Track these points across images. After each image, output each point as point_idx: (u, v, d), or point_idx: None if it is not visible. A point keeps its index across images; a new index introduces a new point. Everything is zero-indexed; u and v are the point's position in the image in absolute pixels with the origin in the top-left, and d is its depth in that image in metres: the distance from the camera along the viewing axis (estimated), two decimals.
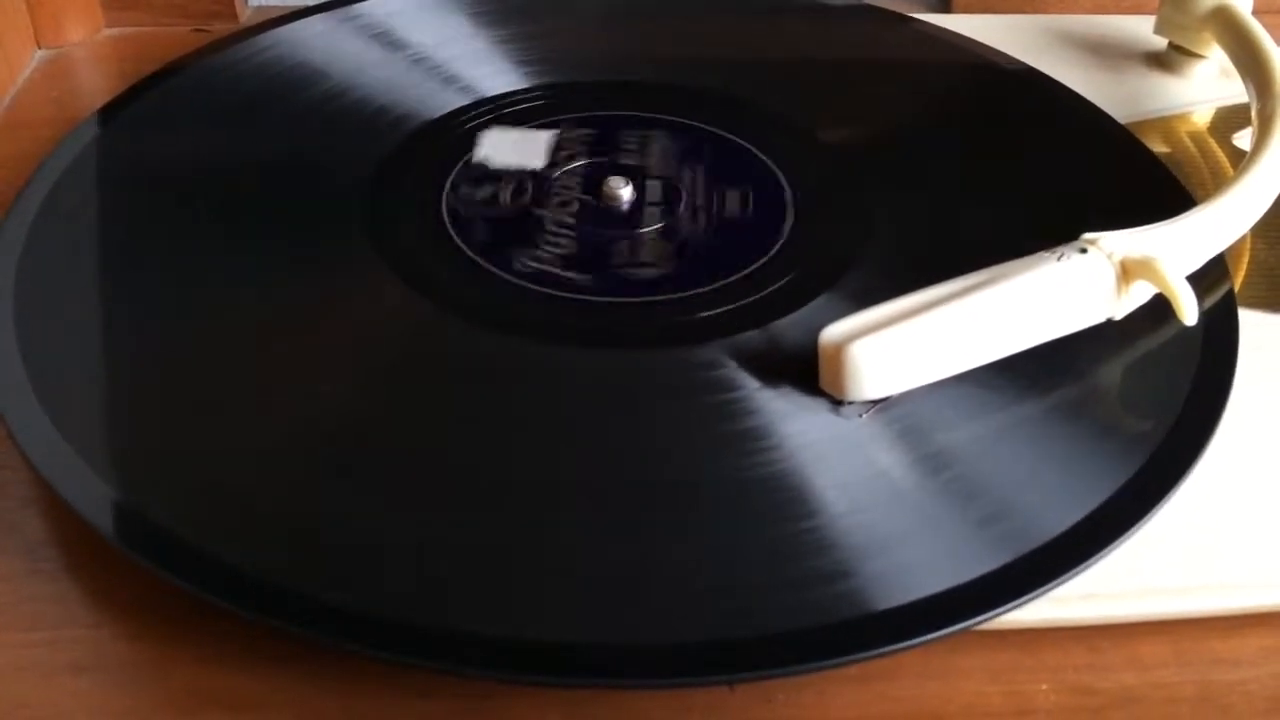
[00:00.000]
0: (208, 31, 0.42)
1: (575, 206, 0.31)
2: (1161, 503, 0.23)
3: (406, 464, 0.24)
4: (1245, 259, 0.31)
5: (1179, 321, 0.25)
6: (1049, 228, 0.27)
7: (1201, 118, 0.37)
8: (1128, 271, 0.25)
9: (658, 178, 0.32)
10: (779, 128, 0.34)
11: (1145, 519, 0.23)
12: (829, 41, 0.39)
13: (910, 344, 0.24)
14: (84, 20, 0.41)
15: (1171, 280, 0.25)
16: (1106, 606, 0.23)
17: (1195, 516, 0.24)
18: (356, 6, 0.38)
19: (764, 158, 0.33)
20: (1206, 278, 0.28)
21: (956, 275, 0.25)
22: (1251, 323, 0.28)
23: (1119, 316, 0.26)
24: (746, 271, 0.29)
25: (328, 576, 0.22)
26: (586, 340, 0.27)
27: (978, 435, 0.25)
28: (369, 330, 0.27)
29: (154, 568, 0.22)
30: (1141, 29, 0.40)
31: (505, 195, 0.30)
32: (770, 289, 0.28)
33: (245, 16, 0.43)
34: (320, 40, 0.36)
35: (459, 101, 0.34)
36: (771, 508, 0.23)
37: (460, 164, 0.31)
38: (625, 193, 0.31)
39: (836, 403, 0.25)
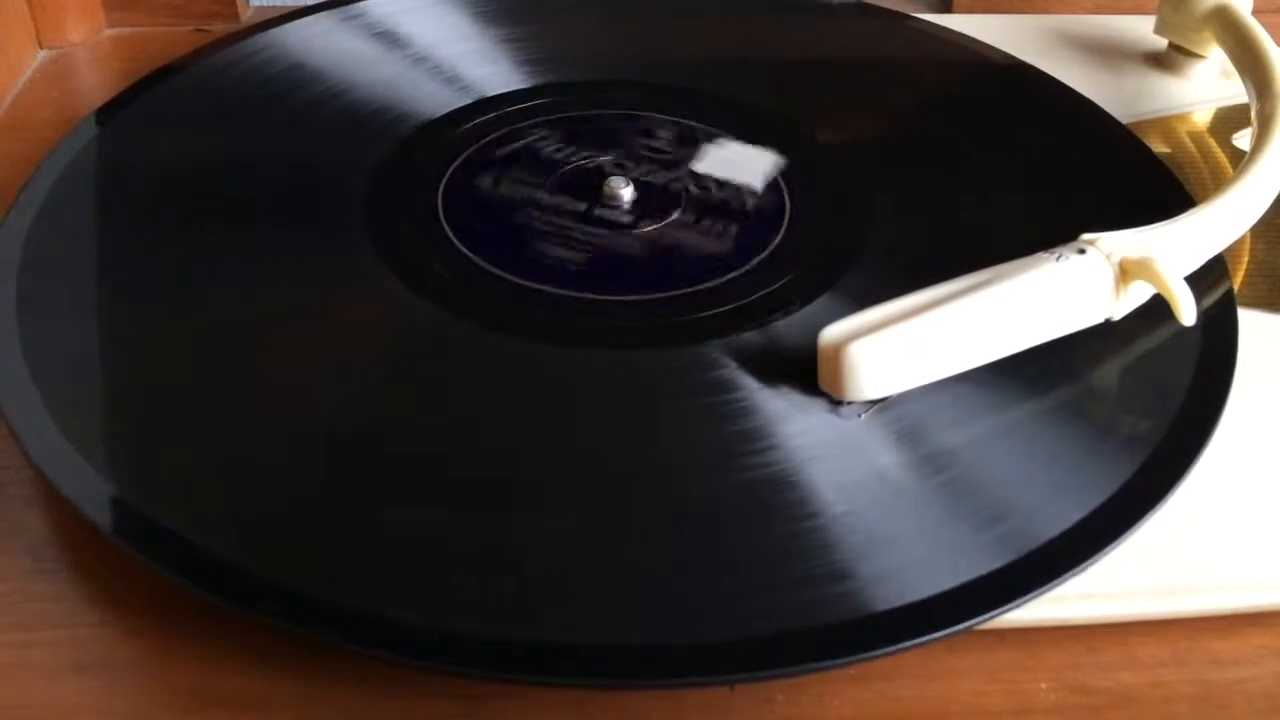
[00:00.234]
0: (208, 31, 0.42)
1: (575, 207, 0.31)
2: (1160, 503, 0.23)
3: (406, 463, 0.24)
4: (1245, 259, 0.31)
5: (1178, 322, 0.25)
6: (1048, 227, 0.27)
7: (1201, 118, 0.37)
8: (1126, 272, 0.25)
9: (657, 177, 0.32)
10: (779, 127, 0.34)
11: (1144, 519, 0.23)
12: (829, 41, 0.39)
13: (909, 344, 0.24)
14: (85, 20, 0.41)
15: (1170, 281, 0.25)
16: (1105, 606, 0.23)
17: (1194, 517, 0.24)
18: (356, 6, 0.38)
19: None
20: (1206, 277, 0.28)
21: (956, 275, 0.25)
22: (1251, 323, 0.28)
23: (1118, 317, 0.26)
24: (745, 271, 0.29)
25: (328, 576, 0.22)
26: (586, 340, 0.27)
27: (976, 436, 0.25)
28: (368, 329, 0.27)
29: (156, 566, 0.22)
30: (1142, 29, 0.40)
31: (505, 204, 0.30)
32: (769, 289, 0.28)
33: (245, 16, 0.43)
34: (320, 40, 0.37)
35: (459, 101, 0.34)
36: (771, 508, 0.23)
37: (459, 161, 0.31)
38: (625, 192, 0.31)
39: (835, 403, 0.25)
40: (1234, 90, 0.35)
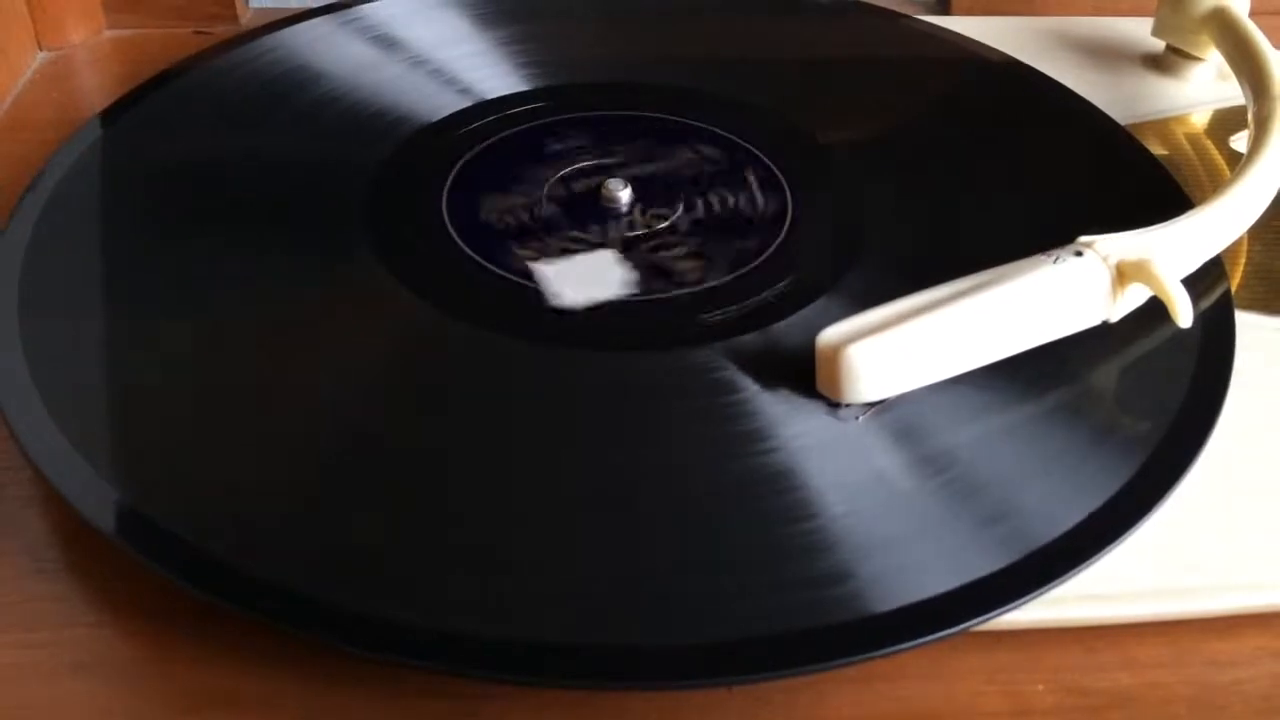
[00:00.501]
0: (209, 34, 0.42)
1: (574, 209, 0.31)
2: (1158, 505, 0.24)
3: (406, 464, 0.24)
4: (1242, 261, 0.31)
5: (1175, 324, 0.25)
6: (1046, 229, 0.27)
7: (1199, 120, 0.37)
8: (1123, 274, 0.26)
9: (657, 179, 0.32)
10: (778, 129, 0.34)
11: (1143, 521, 0.23)
12: (828, 42, 0.39)
13: (907, 347, 0.24)
14: (85, 22, 0.42)
15: (1167, 283, 0.25)
16: (1103, 607, 0.23)
17: (1191, 518, 0.24)
18: (357, 9, 0.38)
19: (763, 158, 0.33)
20: (1204, 280, 0.28)
21: (954, 278, 0.25)
22: (1248, 324, 0.28)
23: (1115, 319, 0.26)
24: (744, 273, 0.29)
25: (328, 577, 0.22)
26: (585, 342, 0.27)
27: (975, 437, 0.25)
28: (369, 331, 0.28)
29: (155, 567, 0.22)
30: (1140, 31, 0.40)
31: (505, 206, 0.31)
32: (769, 291, 0.28)
33: (246, 19, 0.43)
34: (321, 43, 0.37)
35: (459, 104, 0.34)
36: (770, 509, 0.23)
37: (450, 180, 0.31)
38: (624, 195, 0.31)
39: (834, 405, 0.25)
40: (1231, 92, 0.35)
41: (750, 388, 0.25)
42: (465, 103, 0.34)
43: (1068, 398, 0.26)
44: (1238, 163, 0.30)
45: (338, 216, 0.30)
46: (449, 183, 0.31)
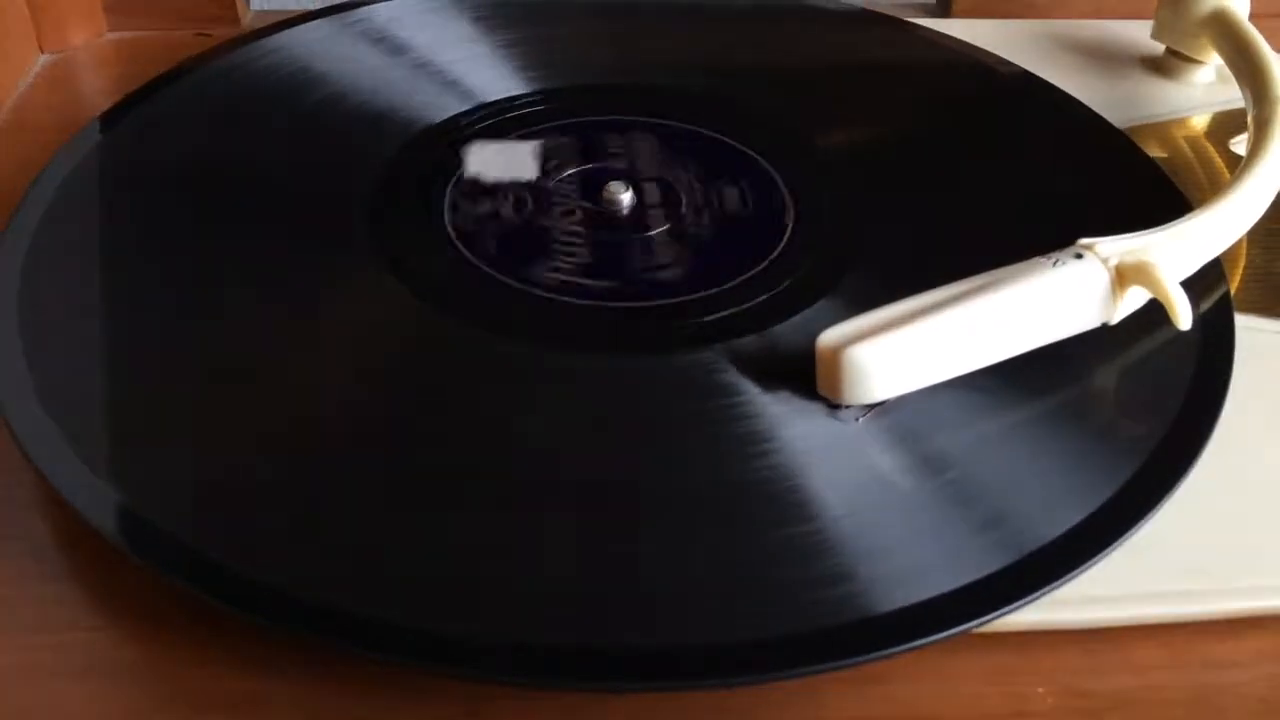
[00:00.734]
0: (210, 36, 0.42)
1: (575, 212, 0.31)
2: (1157, 507, 0.24)
3: (407, 466, 0.24)
4: (1241, 263, 0.32)
5: (1174, 327, 0.25)
6: (1046, 232, 0.27)
7: (1198, 123, 0.37)
8: (1123, 277, 0.26)
9: (657, 182, 0.32)
10: (779, 133, 0.34)
11: (1142, 522, 0.23)
12: (828, 46, 0.39)
13: (907, 349, 0.24)
14: (86, 24, 0.42)
15: (1166, 285, 0.25)
16: (1102, 610, 0.23)
17: (1190, 521, 0.24)
18: (358, 11, 0.38)
19: (763, 162, 0.33)
20: (1203, 282, 0.28)
21: (953, 280, 0.25)
22: (1247, 327, 0.29)
23: (1114, 321, 0.26)
24: (745, 276, 0.29)
25: (329, 579, 0.22)
26: (584, 344, 0.27)
27: (975, 439, 0.25)
28: (370, 334, 0.28)
29: (157, 570, 0.22)
30: (1139, 34, 0.41)
31: (506, 208, 0.31)
32: (769, 293, 0.28)
33: (247, 21, 0.43)
34: (322, 45, 0.37)
35: (460, 106, 0.34)
36: (769, 510, 0.23)
37: (454, 179, 0.31)
38: (625, 198, 0.31)
39: (833, 406, 0.25)
40: (1231, 95, 0.35)
41: (750, 389, 0.25)
42: (466, 105, 0.34)
43: (1067, 400, 0.26)
44: (1237, 166, 0.30)
45: (339, 218, 0.30)
46: (451, 186, 0.31)
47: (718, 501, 0.23)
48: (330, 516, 0.23)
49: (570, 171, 0.32)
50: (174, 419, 0.25)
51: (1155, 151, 0.35)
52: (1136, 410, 0.26)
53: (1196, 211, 0.28)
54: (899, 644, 0.21)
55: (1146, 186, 0.33)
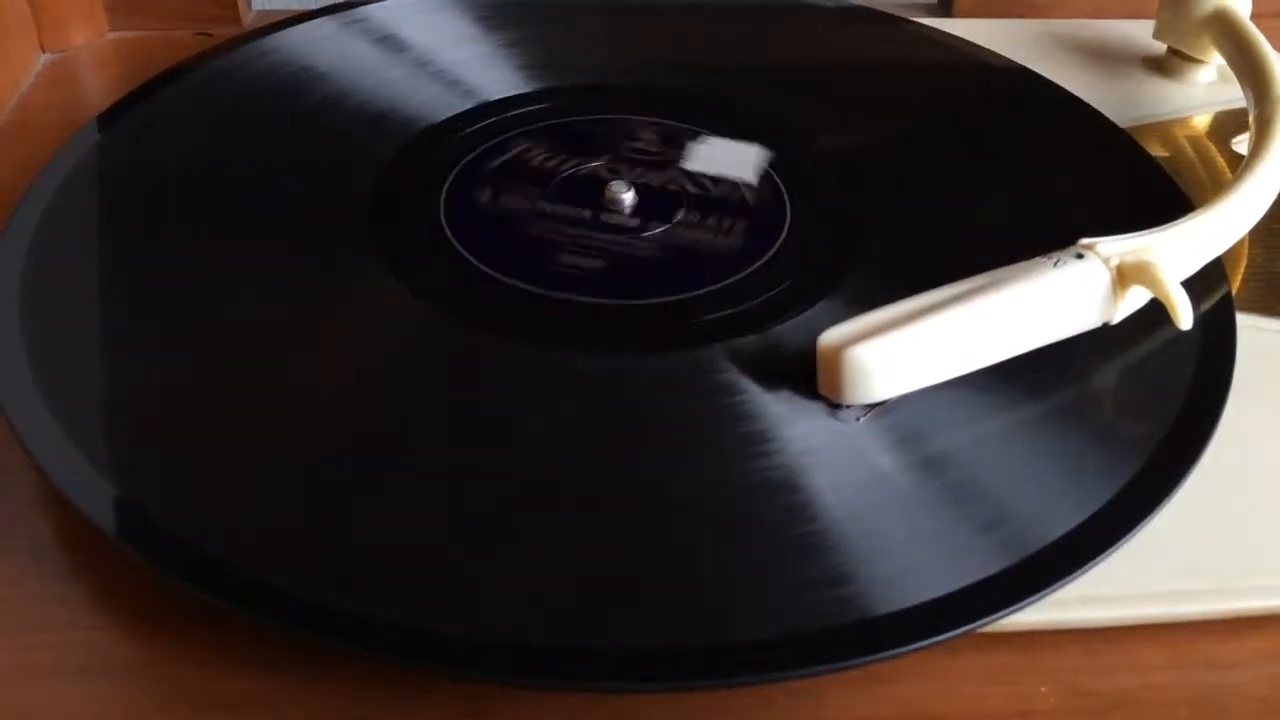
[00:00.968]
0: (211, 35, 0.42)
1: (576, 212, 0.31)
2: (1160, 506, 0.24)
3: (408, 466, 0.24)
4: (1242, 263, 0.31)
5: (1176, 326, 0.25)
6: (1047, 232, 0.27)
7: (1200, 122, 0.37)
8: (1124, 276, 0.26)
9: (659, 182, 0.32)
10: (780, 131, 0.34)
11: (1144, 523, 0.23)
12: (828, 45, 0.39)
13: (908, 349, 0.24)
14: (88, 24, 0.42)
15: (1168, 285, 0.25)
16: (1104, 610, 0.23)
17: (1192, 520, 0.24)
18: (359, 10, 0.38)
19: (765, 161, 0.33)
20: (1204, 281, 0.28)
21: (955, 280, 0.25)
22: (1249, 327, 0.28)
23: (1115, 321, 0.26)
24: (746, 275, 0.29)
25: (330, 579, 0.22)
26: (586, 344, 0.27)
27: (976, 439, 0.25)
28: (371, 333, 0.28)
29: (158, 569, 0.22)
30: (1141, 34, 0.41)
31: (507, 208, 0.31)
32: (770, 293, 0.28)
33: (248, 20, 0.44)
34: (323, 44, 0.37)
35: (462, 105, 0.34)
36: (770, 511, 0.23)
37: (454, 178, 0.31)
38: (626, 197, 0.31)
39: (834, 406, 0.25)
40: (1232, 95, 0.35)
41: (751, 389, 0.25)
42: (467, 104, 0.34)
43: (1069, 400, 0.26)
44: (1239, 165, 0.30)
45: (339, 218, 0.30)
46: (451, 185, 0.31)
47: (718, 501, 0.23)
48: (331, 516, 0.23)
49: (572, 171, 0.32)
50: (175, 418, 0.25)
51: (1157, 151, 0.35)
52: (1138, 410, 0.26)
53: (1198, 211, 0.28)
54: (900, 645, 0.21)
55: (1148, 186, 0.33)
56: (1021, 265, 0.26)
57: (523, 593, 0.22)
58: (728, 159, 0.27)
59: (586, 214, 0.31)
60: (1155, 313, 0.26)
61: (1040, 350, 0.26)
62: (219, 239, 0.30)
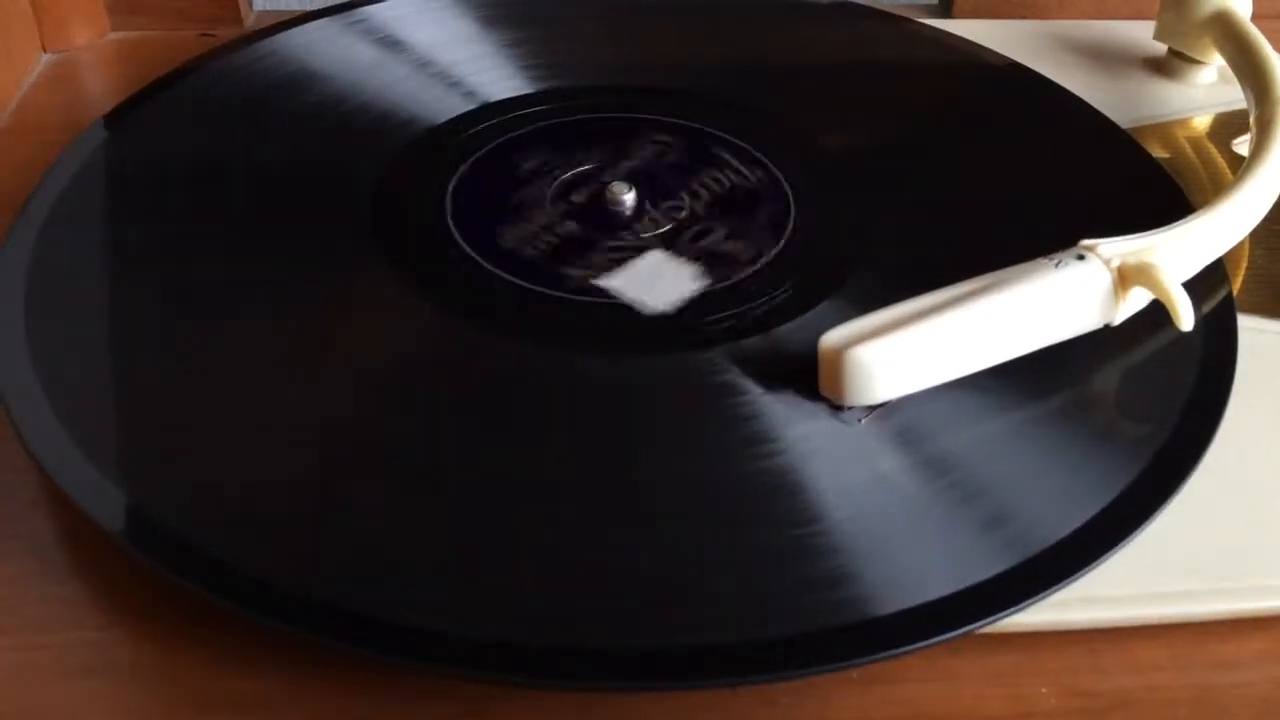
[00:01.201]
0: (213, 36, 0.42)
1: (578, 212, 0.31)
2: (1161, 507, 0.24)
3: (409, 466, 0.24)
4: (1243, 264, 0.31)
5: (1177, 327, 0.25)
6: (1048, 233, 0.27)
7: (1201, 123, 0.37)
8: (1125, 278, 0.26)
9: (660, 182, 0.32)
10: (781, 132, 0.34)
11: (1145, 523, 0.23)
12: (831, 45, 0.39)
13: (909, 350, 0.24)
14: (89, 24, 0.42)
15: (1169, 286, 0.25)
16: (1105, 610, 0.23)
17: (1194, 521, 0.24)
18: (361, 10, 0.38)
19: (766, 162, 0.33)
20: (1205, 283, 0.28)
21: (956, 281, 0.25)
22: (1250, 328, 0.29)
23: (1117, 322, 0.26)
24: (748, 276, 0.29)
25: (334, 579, 0.22)
26: (588, 344, 0.27)
27: (978, 440, 0.25)
28: (373, 333, 0.28)
29: (162, 569, 0.22)
30: (1142, 35, 0.41)
31: (509, 208, 0.31)
32: (771, 294, 0.28)
33: (250, 21, 0.44)
34: (325, 45, 0.37)
35: (464, 106, 0.34)
36: (772, 511, 0.23)
37: (457, 178, 0.31)
38: (628, 198, 0.31)
39: (836, 408, 0.25)
40: (1233, 96, 0.35)
41: (753, 390, 0.25)
42: (470, 105, 0.34)
43: (1070, 401, 0.26)
44: (1240, 166, 0.30)
45: (341, 219, 0.30)
46: (453, 185, 0.31)
47: (720, 502, 0.24)
48: (332, 516, 0.23)
49: (573, 171, 0.32)
50: (178, 418, 0.25)
51: (1158, 152, 0.35)
52: (1139, 411, 0.26)
53: (1199, 212, 0.28)
54: (903, 645, 0.21)
55: (1148, 187, 0.33)
56: (1023, 266, 0.26)
57: (523, 593, 0.22)
58: (652, 281, 0.27)
59: (589, 215, 0.31)
60: (1156, 314, 0.26)
61: (1041, 351, 0.26)
62: (221, 238, 0.30)
